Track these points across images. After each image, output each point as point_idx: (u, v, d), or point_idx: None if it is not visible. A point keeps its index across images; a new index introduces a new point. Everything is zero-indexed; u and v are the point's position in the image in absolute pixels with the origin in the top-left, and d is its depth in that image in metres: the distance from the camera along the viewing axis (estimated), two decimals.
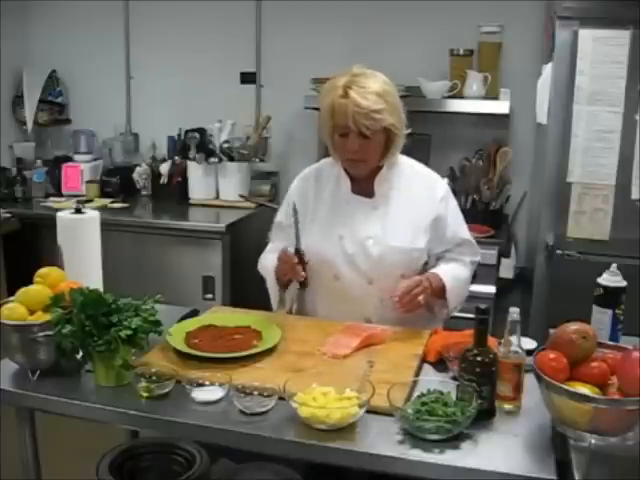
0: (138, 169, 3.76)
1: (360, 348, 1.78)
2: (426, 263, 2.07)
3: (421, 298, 1.88)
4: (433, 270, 2.03)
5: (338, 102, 1.87)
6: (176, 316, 1.95)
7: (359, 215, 2.01)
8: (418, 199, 2.02)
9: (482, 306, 1.47)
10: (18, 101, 3.98)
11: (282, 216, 2.16)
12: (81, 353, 1.59)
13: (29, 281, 1.72)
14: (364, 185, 2.02)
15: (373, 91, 1.86)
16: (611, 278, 1.74)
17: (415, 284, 1.89)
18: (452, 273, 2.03)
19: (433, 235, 2.01)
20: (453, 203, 2.08)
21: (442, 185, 2.08)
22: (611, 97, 2.59)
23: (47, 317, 1.59)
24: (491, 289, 2.93)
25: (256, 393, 1.49)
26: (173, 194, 3.65)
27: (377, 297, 1.97)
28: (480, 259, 2.15)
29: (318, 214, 2.05)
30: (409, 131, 1.97)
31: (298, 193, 2.11)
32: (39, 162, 3.83)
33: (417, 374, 1.67)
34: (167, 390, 1.54)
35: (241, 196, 3.60)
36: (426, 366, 1.74)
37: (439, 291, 1.99)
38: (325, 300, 2.05)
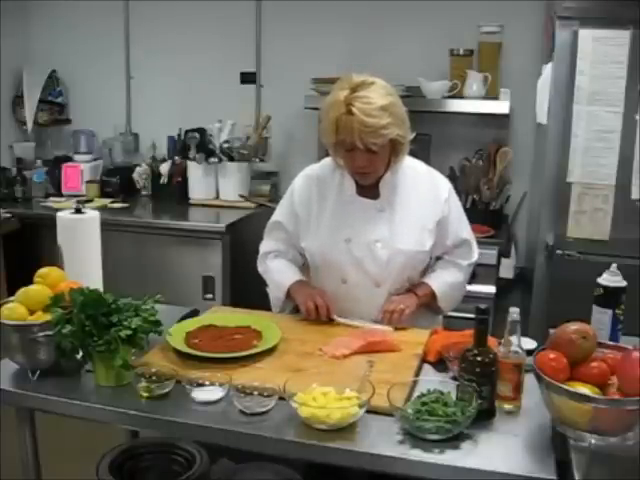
0: (138, 169, 3.76)
1: (361, 352, 1.76)
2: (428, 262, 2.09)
3: (401, 306, 1.93)
4: (425, 279, 2.06)
5: (343, 120, 1.82)
6: (176, 316, 1.95)
7: (365, 217, 1.99)
8: (423, 200, 2.01)
9: (482, 306, 1.47)
10: (18, 101, 3.97)
11: (282, 217, 2.13)
12: (81, 353, 1.59)
13: (29, 281, 1.72)
14: (369, 187, 2.01)
15: (378, 106, 1.81)
16: (611, 278, 1.74)
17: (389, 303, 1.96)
18: (444, 280, 2.06)
19: (437, 237, 2.02)
20: (456, 203, 2.08)
21: (445, 185, 2.06)
22: (611, 97, 2.59)
23: (47, 317, 1.60)
24: (491, 289, 2.93)
25: (256, 393, 1.49)
26: (173, 194, 3.64)
27: (384, 299, 1.98)
28: (477, 259, 2.15)
29: (323, 216, 2.03)
30: (414, 135, 1.96)
31: (300, 195, 2.08)
32: (39, 162, 3.83)
33: (417, 374, 1.67)
34: (167, 390, 1.54)
35: (241, 196, 3.60)
36: (426, 366, 1.74)
37: (429, 298, 2.04)
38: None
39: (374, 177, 1.97)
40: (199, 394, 1.52)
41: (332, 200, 2.04)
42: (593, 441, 1.33)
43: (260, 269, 2.19)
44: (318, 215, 2.04)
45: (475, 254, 2.13)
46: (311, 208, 2.05)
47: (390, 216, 1.99)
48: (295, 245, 2.11)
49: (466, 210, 2.16)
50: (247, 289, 3.36)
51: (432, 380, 1.60)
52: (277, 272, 2.12)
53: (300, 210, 2.07)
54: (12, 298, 1.69)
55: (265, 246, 2.19)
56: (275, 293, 2.11)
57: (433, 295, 2.03)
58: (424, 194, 2.02)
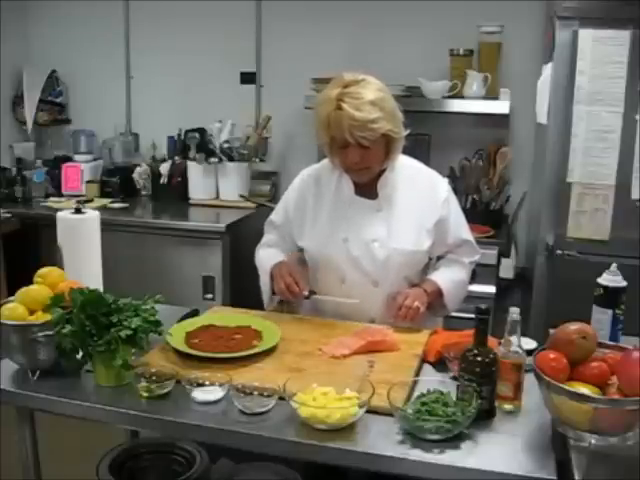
0: (138, 169, 3.76)
1: (361, 352, 1.76)
2: (427, 262, 2.08)
3: (417, 303, 1.91)
4: (430, 276, 2.06)
5: (333, 116, 1.84)
6: (176, 316, 1.95)
7: (363, 217, 2.00)
8: (421, 200, 2.02)
9: (482, 306, 1.47)
10: (18, 101, 3.97)
11: (276, 217, 2.18)
12: (81, 353, 1.59)
13: (29, 281, 1.72)
14: (367, 187, 2.01)
15: (367, 101, 1.83)
16: (611, 278, 1.74)
17: (404, 298, 1.93)
18: (450, 277, 2.06)
19: (436, 237, 2.02)
20: (455, 204, 2.08)
21: (444, 185, 2.07)
22: (611, 97, 2.59)
23: (47, 317, 1.59)
24: (491, 289, 2.93)
25: (256, 393, 1.49)
26: (173, 194, 3.64)
27: (382, 299, 1.99)
28: (479, 258, 2.16)
29: (320, 217, 2.04)
30: (408, 132, 1.96)
31: (296, 196, 2.11)
32: (39, 162, 3.83)
33: (417, 374, 1.67)
34: (167, 390, 1.54)
35: (241, 196, 3.60)
36: (426, 366, 1.74)
37: (436, 296, 2.02)
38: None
39: (369, 174, 1.97)
40: (199, 394, 1.52)
41: (329, 200, 2.05)
42: (593, 441, 1.33)
43: (255, 260, 2.22)
44: (314, 215, 2.05)
45: (477, 253, 2.14)
46: (306, 209, 2.07)
47: (388, 216, 2.00)
48: (286, 238, 2.14)
49: (466, 210, 2.17)
50: (247, 289, 3.35)
51: (432, 380, 1.59)
52: (264, 258, 2.15)
53: (293, 211, 2.10)
54: (12, 298, 1.69)
55: (261, 240, 2.24)
56: (262, 278, 2.13)
57: (439, 293, 2.02)
58: (423, 194, 2.03)
